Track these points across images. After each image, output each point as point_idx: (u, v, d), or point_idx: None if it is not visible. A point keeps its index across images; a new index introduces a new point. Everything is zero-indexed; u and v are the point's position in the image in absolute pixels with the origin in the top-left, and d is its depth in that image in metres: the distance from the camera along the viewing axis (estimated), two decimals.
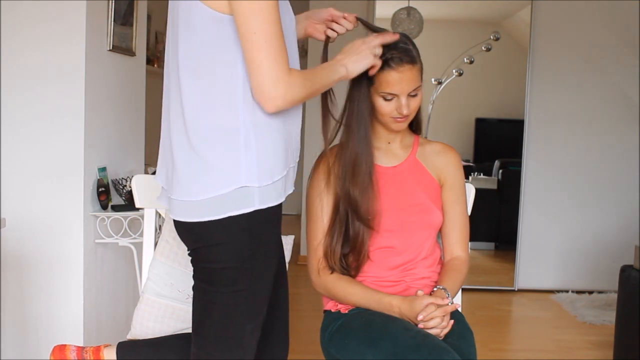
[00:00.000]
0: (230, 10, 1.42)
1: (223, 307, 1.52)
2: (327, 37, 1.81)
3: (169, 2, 1.56)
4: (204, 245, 1.51)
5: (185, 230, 1.53)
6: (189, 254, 1.57)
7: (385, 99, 1.81)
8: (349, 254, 1.86)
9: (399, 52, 1.76)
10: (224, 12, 1.43)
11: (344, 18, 1.78)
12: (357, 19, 1.81)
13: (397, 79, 1.77)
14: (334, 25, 1.79)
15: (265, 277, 1.55)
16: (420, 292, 1.78)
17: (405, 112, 1.80)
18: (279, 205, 1.54)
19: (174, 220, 1.55)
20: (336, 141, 1.91)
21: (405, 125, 1.87)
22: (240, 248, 1.48)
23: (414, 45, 1.81)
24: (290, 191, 1.59)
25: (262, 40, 1.38)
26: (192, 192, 1.48)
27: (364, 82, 1.80)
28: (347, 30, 1.81)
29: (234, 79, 1.45)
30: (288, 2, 1.57)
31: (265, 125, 1.48)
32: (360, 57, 1.66)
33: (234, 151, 1.46)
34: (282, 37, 1.42)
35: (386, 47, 1.76)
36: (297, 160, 1.62)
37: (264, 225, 1.51)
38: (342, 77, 1.63)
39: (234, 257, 1.48)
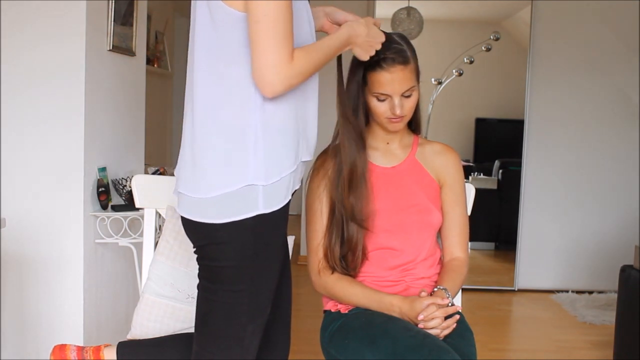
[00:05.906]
0: (245, 9, 1.41)
1: (224, 306, 1.52)
2: None
3: (191, 1, 1.56)
4: (208, 243, 1.51)
5: (191, 227, 1.54)
6: (194, 252, 1.58)
7: (379, 100, 1.81)
8: (347, 255, 1.86)
9: (391, 53, 1.76)
10: (240, 10, 1.42)
11: None
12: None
13: (389, 80, 1.77)
14: None
15: (268, 278, 1.55)
16: (423, 293, 1.78)
17: (398, 112, 1.80)
18: (286, 205, 1.54)
19: (181, 216, 1.55)
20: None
21: (401, 125, 1.87)
22: (243, 247, 1.48)
23: (409, 45, 1.80)
24: (297, 187, 1.59)
25: (270, 23, 1.37)
26: (200, 188, 1.48)
27: (357, 83, 1.80)
28: None
29: (245, 77, 1.45)
30: None
31: (275, 125, 1.48)
32: (367, 49, 1.65)
33: (242, 150, 1.46)
34: (291, 22, 1.40)
35: (380, 47, 1.75)
36: (311, 153, 1.60)
37: (269, 226, 1.51)
38: (343, 49, 1.60)
39: (237, 256, 1.49)
